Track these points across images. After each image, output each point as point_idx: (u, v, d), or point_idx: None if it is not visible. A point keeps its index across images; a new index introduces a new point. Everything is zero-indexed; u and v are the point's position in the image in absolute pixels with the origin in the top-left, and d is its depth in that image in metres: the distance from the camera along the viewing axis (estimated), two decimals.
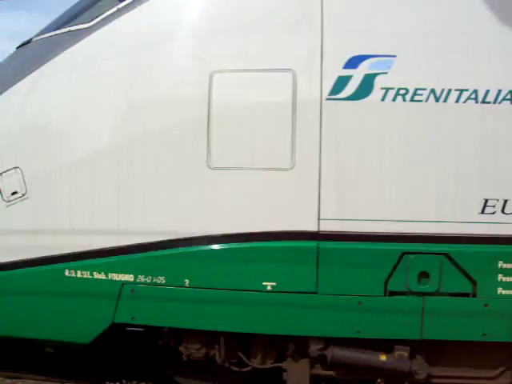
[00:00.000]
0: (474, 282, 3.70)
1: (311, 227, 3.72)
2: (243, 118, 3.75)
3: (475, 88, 3.64)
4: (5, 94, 3.97)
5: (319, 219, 3.72)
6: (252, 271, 3.76)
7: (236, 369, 4.13)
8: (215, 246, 3.79)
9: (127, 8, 3.88)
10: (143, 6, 3.86)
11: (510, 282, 3.68)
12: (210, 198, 3.78)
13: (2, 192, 3.91)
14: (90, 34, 3.93)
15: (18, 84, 3.97)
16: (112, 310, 3.87)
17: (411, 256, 3.70)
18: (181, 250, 3.80)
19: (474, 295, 3.71)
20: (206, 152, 3.75)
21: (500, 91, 3.64)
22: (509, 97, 3.64)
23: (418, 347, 3.88)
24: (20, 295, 3.97)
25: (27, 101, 3.93)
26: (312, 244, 3.72)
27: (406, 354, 3.84)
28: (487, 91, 3.64)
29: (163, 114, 3.80)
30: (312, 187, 3.71)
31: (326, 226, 3.72)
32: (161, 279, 3.82)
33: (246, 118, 3.75)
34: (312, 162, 3.70)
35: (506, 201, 3.66)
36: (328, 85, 3.69)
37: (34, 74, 3.93)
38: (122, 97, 3.83)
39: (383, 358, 3.87)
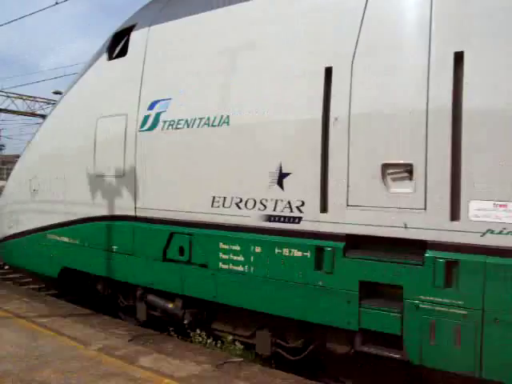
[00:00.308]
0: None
1: (132, 213, 5.80)
2: (106, 146, 6.15)
3: (208, 116, 5.05)
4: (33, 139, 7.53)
5: (135, 208, 5.78)
6: (107, 238, 6.08)
7: (121, 304, 6.47)
8: (94, 223, 6.28)
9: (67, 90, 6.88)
10: (69, 92, 6.80)
11: (226, 259, 4.89)
12: (95, 194, 6.30)
13: (30, 189, 7.40)
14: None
15: (39, 130, 7.47)
16: (62, 257, 6.81)
17: (175, 235, 5.35)
18: (78, 225, 6.46)
19: (196, 264, 5.08)
20: (94, 166, 6.31)
21: (222, 116, 4.95)
22: (226, 120, 4.91)
23: (193, 302, 5.40)
24: (33, 247, 7.35)
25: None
26: (132, 224, 5.80)
27: (179, 304, 5.46)
28: (211, 117, 5.00)
29: (75, 145, 6.56)
30: (132, 188, 5.79)
31: (139, 213, 5.74)
32: (73, 241, 6.56)
33: (107, 146, 6.13)
34: (131, 172, 5.79)
35: (225, 198, 4.91)
36: (140, 122, 5.73)
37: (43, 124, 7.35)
38: (60, 137, 6.81)
39: (171, 305, 5.58)
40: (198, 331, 5.34)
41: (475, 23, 3.64)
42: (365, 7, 4.15)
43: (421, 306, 3.77)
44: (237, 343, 5.10)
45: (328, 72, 4.28)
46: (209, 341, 5.22)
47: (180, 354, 4.83)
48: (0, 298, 6.76)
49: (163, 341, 5.27)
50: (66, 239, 6.73)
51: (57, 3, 11.10)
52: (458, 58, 3.66)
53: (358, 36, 4.15)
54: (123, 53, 6.18)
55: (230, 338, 5.17)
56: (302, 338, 4.73)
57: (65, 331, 5.45)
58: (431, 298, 3.73)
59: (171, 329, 5.61)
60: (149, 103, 5.66)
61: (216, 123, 4.99)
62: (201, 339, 5.27)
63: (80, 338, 5.25)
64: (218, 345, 5.20)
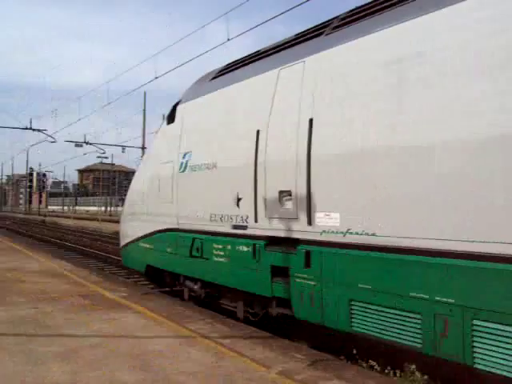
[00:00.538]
0: (208, 253, 7.77)
1: (176, 226, 8.84)
2: (164, 182, 9.33)
3: (207, 162, 7.86)
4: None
5: (178, 223, 8.80)
6: (166, 243, 9.19)
7: (179, 288, 9.51)
8: (160, 234, 9.45)
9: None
10: (150, 145, 10.11)
11: (216, 254, 7.55)
12: (160, 214, 9.51)
13: (131, 212, 11.02)
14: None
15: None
16: (146, 258, 10.17)
17: (195, 240, 8.19)
18: (152, 236, 9.70)
19: (204, 258, 7.79)
20: (158, 195, 9.56)
21: (213, 163, 7.70)
22: (215, 165, 7.65)
23: (209, 285, 8.14)
24: (134, 252, 10.87)
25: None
26: (176, 233, 8.83)
27: (200, 285, 8.25)
28: (208, 163, 7.79)
29: (151, 181, 9.89)
30: (176, 209, 8.85)
31: (180, 226, 8.75)
32: (150, 246, 9.84)
33: (165, 182, 9.31)
34: (176, 199, 8.85)
35: (215, 214, 7.62)
36: (178, 166, 8.79)
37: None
38: (144, 176, 10.22)
39: (196, 287, 8.41)
40: (373, 362, 5.38)
41: (319, 101, 5.84)
42: (273, 98, 6.59)
43: (296, 280, 5.98)
44: (417, 373, 4.93)
45: (258, 133, 6.76)
46: (386, 371, 5.24)
47: (362, 382, 4.68)
48: (186, 319, 7.11)
49: (343, 367, 5.18)
50: (147, 245, 10.07)
51: (229, 39, 12.45)
52: (311, 122, 5.88)
53: (270, 113, 6.58)
54: (173, 120, 9.38)
55: (413, 366, 4.99)
56: (259, 306, 7.14)
57: (246, 353, 5.51)
58: (300, 275, 5.92)
59: (342, 356, 5.75)
60: (182, 154, 8.71)
61: (211, 167, 7.79)
62: (378, 368, 5.30)
63: (260, 360, 5.26)
64: (398, 374, 5.13)
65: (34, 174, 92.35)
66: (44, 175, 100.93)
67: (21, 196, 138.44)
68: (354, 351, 5.55)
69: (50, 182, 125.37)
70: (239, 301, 7.55)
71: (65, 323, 6.69)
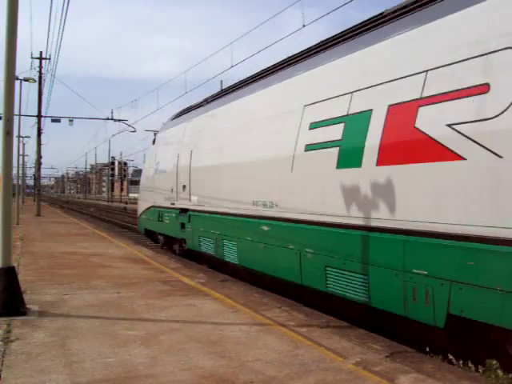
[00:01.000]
0: (163, 218, 14.14)
1: (155, 204, 15.31)
2: (150, 179, 15.85)
3: (163, 169, 14.24)
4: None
5: (155, 203, 15.30)
6: (150, 215, 15.71)
7: (159, 242, 16.04)
8: (149, 209, 16.00)
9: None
10: (147, 157, 16.66)
11: (165, 218, 13.91)
12: (146, 197, 16.05)
13: (141, 194, 17.70)
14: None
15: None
16: (145, 224, 16.80)
17: (160, 211, 14.60)
18: (148, 210, 16.28)
19: (163, 221, 14.19)
20: (151, 186, 16.11)
21: (164, 169, 14.05)
22: (166, 170, 13.99)
23: (167, 236, 14.53)
24: (141, 222, 17.51)
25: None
26: (155, 208, 15.31)
27: (163, 237, 14.70)
28: (163, 169, 14.14)
29: (146, 178, 16.45)
30: (153, 194, 15.31)
31: (156, 204, 15.21)
32: (147, 217, 16.43)
33: (150, 179, 15.82)
34: (153, 188, 15.33)
35: (165, 197, 13.97)
36: (153, 170, 15.28)
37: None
38: (144, 175, 16.81)
39: (161, 238, 14.87)
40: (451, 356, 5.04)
41: (193, 142, 11.96)
42: (182, 138, 12.79)
43: (187, 229, 12.25)
44: (499, 370, 4.58)
45: (178, 155, 13.00)
46: (470, 365, 4.88)
47: (441, 376, 4.43)
48: (262, 306, 7.08)
49: (422, 360, 4.95)
50: (145, 216, 16.65)
51: (304, 26, 12.22)
52: (191, 151, 12.03)
53: (181, 146, 12.79)
54: (154, 143, 15.84)
55: (495, 362, 4.67)
56: (184, 245, 13.42)
57: (322, 342, 5.40)
58: (188, 226, 12.18)
59: (427, 349, 5.30)
60: (156, 163, 15.15)
61: (164, 171, 14.18)
62: (458, 362, 4.99)
63: (337, 349, 5.13)
64: (480, 370, 4.79)
65: (116, 163, 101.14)
66: (125, 164, 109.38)
67: (103, 184, 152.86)
68: (427, 349, 5.31)
69: (130, 170, 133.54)
70: (177, 244, 13.90)
71: (145, 308, 6.78)
